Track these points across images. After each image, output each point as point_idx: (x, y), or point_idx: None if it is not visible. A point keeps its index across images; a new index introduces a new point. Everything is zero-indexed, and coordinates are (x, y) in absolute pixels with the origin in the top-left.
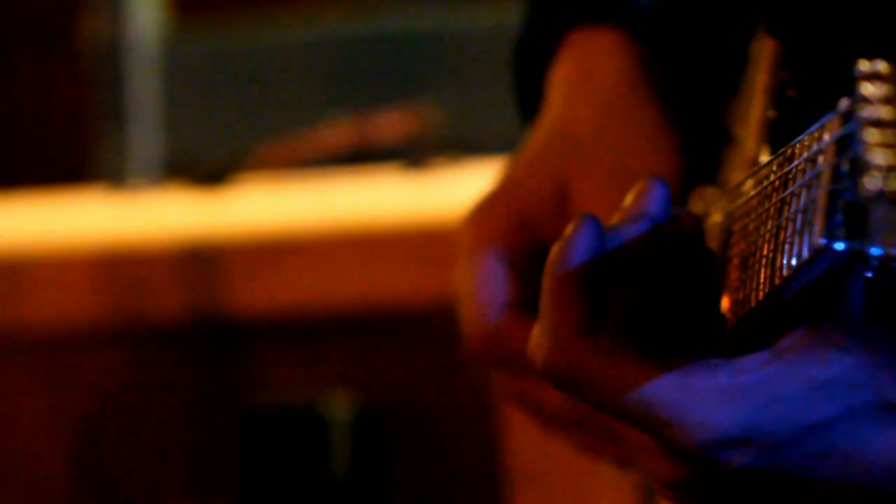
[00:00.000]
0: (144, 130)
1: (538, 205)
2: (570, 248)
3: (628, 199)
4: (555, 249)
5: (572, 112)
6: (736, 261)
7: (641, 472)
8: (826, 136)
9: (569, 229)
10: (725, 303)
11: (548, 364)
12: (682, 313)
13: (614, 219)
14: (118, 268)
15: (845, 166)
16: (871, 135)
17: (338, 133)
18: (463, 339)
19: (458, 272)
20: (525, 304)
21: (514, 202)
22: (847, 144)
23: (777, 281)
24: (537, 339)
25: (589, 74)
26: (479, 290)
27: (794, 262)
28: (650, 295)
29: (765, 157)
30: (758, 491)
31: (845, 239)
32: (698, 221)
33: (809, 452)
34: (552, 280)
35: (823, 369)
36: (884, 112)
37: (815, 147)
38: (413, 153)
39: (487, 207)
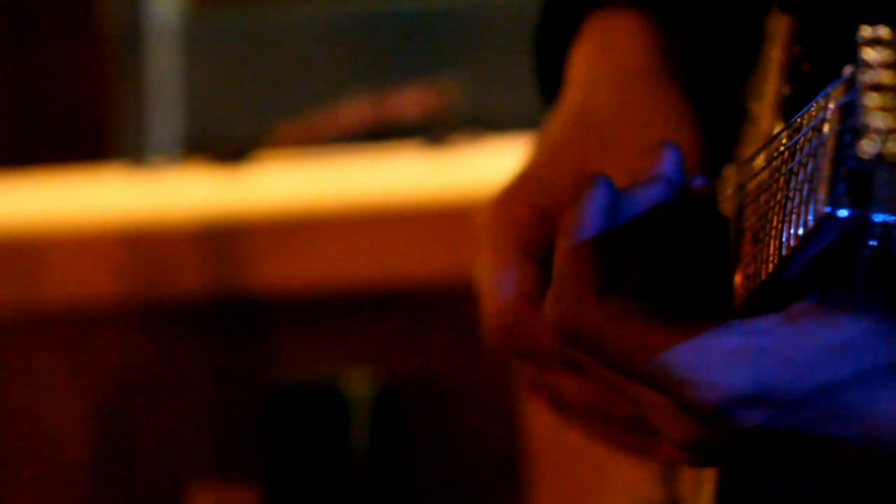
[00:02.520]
0: (165, 108)
1: (561, 193)
2: (585, 209)
3: (641, 163)
4: (569, 212)
5: (593, 94)
6: (749, 234)
7: (656, 454)
8: (831, 104)
9: (582, 191)
10: (738, 277)
11: (563, 322)
12: (697, 282)
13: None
14: (139, 246)
15: (849, 134)
16: (872, 99)
17: (357, 110)
18: (484, 330)
19: (480, 264)
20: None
21: (536, 193)
22: (850, 111)
23: (785, 252)
24: (552, 298)
25: (609, 56)
26: (501, 282)
27: (800, 231)
28: (665, 261)
29: None
30: (772, 450)
31: (849, 206)
32: (714, 189)
33: (822, 413)
34: (568, 240)
35: (836, 333)
36: (885, 76)
37: (820, 115)
38: (433, 130)
39: (509, 199)
